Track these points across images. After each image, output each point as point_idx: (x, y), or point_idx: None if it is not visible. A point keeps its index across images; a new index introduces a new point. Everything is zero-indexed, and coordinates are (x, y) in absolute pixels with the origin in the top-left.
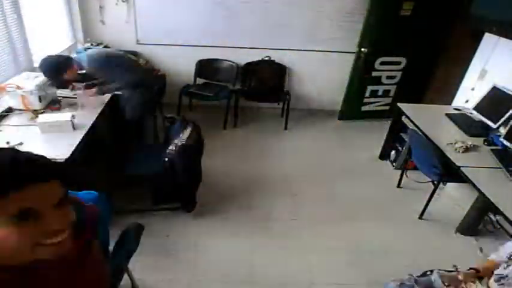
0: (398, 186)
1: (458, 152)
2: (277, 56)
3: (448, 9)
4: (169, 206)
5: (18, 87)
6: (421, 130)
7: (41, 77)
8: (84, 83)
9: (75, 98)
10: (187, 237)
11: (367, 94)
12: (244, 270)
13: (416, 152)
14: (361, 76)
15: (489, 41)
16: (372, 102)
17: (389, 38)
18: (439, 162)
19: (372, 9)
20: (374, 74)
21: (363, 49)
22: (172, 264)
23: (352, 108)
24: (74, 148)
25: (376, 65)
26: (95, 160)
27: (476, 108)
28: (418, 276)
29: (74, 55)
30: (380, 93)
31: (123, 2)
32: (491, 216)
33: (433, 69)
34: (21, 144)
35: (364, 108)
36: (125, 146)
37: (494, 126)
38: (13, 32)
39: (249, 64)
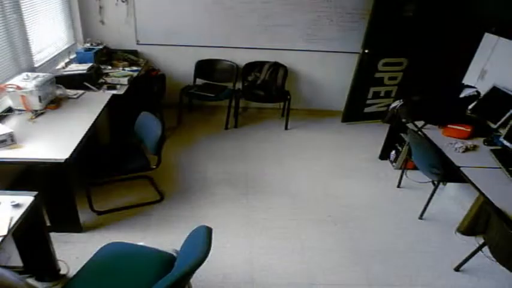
0: (399, 186)
1: (458, 152)
2: (277, 56)
3: (448, 9)
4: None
5: (18, 87)
6: (420, 130)
7: (40, 77)
8: None
9: (75, 97)
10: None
11: (369, 96)
12: (245, 271)
13: (416, 152)
14: (365, 78)
15: (489, 41)
16: (374, 104)
17: (392, 39)
18: (439, 162)
19: (375, 11)
20: (377, 75)
21: (366, 50)
22: None
23: (355, 111)
24: (73, 149)
25: (379, 66)
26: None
27: (476, 108)
28: None
29: (73, 55)
30: (382, 94)
31: (123, 2)
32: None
33: (433, 69)
34: (21, 143)
35: (367, 109)
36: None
37: (494, 126)
38: (13, 32)
39: (249, 64)
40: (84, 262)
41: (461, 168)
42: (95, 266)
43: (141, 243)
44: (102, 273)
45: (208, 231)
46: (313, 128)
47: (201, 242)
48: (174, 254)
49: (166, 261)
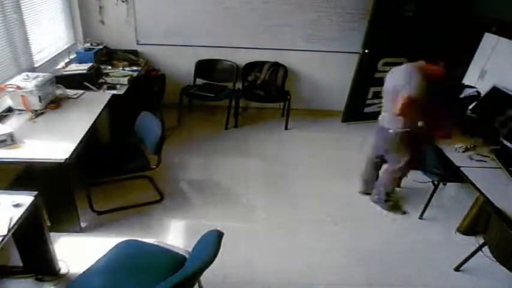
0: (399, 186)
1: (458, 152)
2: (277, 56)
3: (448, 9)
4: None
5: (18, 87)
6: None
7: (40, 77)
8: None
9: (75, 97)
10: (187, 236)
11: (369, 96)
12: (245, 270)
13: None
14: (365, 78)
15: (489, 41)
16: (374, 104)
17: (392, 39)
18: (439, 163)
19: (375, 11)
20: (377, 75)
21: (366, 50)
22: None
23: (355, 111)
24: (73, 149)
25: (379, 66)
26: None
27: (476, 108)
28: None
29: (73, 55)
30: (382, 94)
31: (123, 2)
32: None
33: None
34: (21, 143)
35: (367, 109)
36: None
37: (494, 126)
38: (14, 32)
39: (249, 64)
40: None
41: (461, 168)
42: (107, 261)
43: (155, 243)
44: (114, 269)
45: (219, 235)
46: (313, 128)
47: (211, 245)
48: (186, 255)
49: (178, 261)
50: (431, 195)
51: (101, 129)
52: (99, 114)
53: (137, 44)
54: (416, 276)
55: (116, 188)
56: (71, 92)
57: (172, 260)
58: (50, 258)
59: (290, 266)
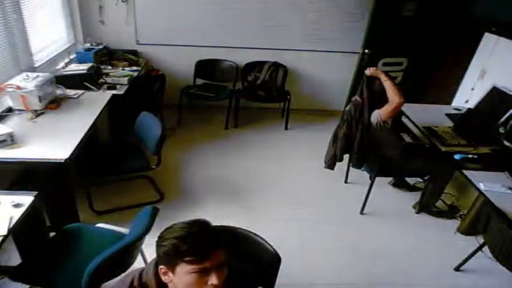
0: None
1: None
2: (277, 56)
3: (448, 9)
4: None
5: (18, 87)
6: (421, 130)
7: (40, 77)
8: None
9: (75, 97)
10: None
11: None
12: None
13: None
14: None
15: (489, 41)
16: None
17: (392, 39)
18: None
19: (375, 11)
20: None
21: (366, 50)
22: None
23: None
24: (73, 149)
25: (379, 66)
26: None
27: (476, 108)
28: None
29: (73, 55)
30: None
31: (123, 2)
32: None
33: (433, 69)
34: (21, 143)
35: None
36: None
37: (494, 126)
38: (13, 32)
39: (249, 64)
40: None
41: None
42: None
43: (98, 225)
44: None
45: (154, 211)
46: (313, 128)
47: (145, 220)
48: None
49: (119, 238)
50: (369, 189)
51: (101, 129)
52: (99, 114)
53: (137, 44)
54: (416, 276)
55: (116, 188)
56: (71, 92)
57: (115, 237)
58: None
59: (290, 265)
